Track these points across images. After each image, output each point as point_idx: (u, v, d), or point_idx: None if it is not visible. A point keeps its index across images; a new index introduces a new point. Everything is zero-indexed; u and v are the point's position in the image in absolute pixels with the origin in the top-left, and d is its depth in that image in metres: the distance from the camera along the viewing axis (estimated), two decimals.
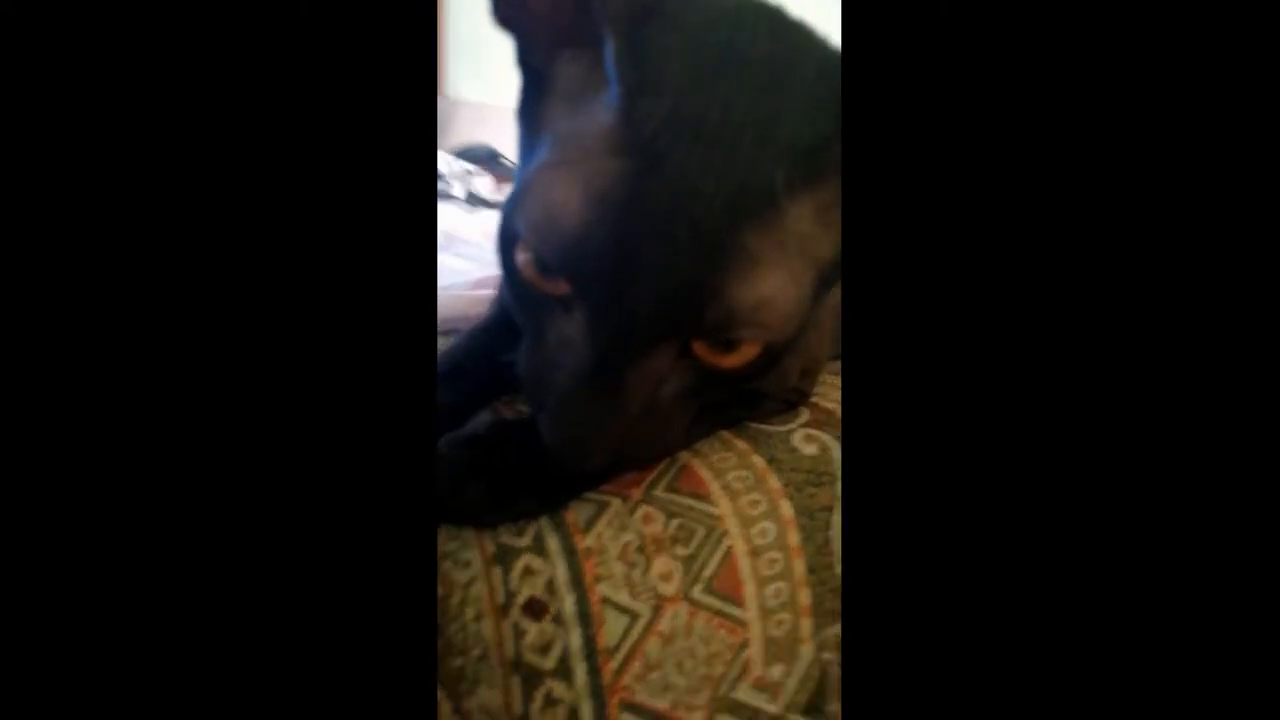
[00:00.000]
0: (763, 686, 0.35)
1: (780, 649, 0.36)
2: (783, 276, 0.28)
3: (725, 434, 0.41)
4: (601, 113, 0.28)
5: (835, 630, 0.38)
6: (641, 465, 0.37)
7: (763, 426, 0.43)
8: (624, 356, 0.28)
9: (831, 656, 0.38)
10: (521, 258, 0.30)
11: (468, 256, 1.03)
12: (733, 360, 0.30)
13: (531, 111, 0.32)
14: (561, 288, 0.29)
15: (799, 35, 0.31)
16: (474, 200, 1.42)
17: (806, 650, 0.37)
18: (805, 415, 0.44)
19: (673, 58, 0.28)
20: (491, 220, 1.17)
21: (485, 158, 1.55)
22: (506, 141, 1.51)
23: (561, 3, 0.30)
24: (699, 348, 0.30)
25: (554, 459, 0.31)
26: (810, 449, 0.42)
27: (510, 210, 0.30)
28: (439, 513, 0.33)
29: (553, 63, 0.31)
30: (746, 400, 0.42)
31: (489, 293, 0.58)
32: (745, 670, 0.35)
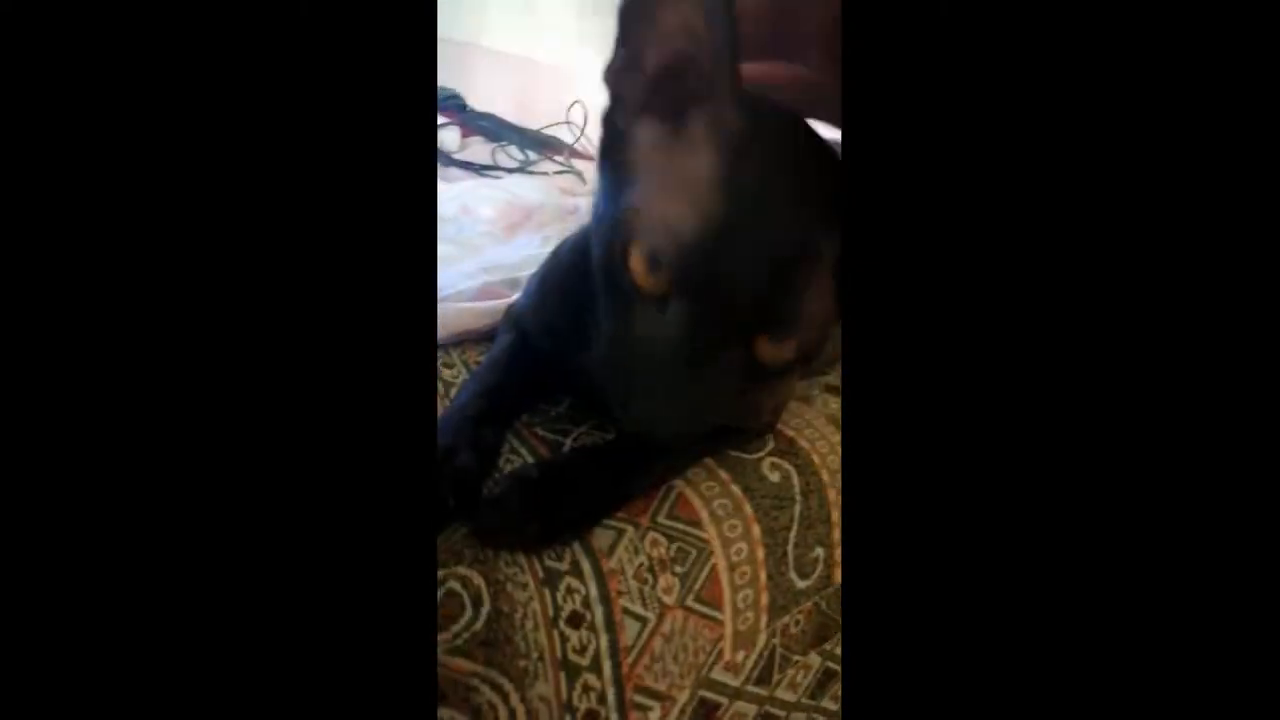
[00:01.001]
0: (730, 668, 0.47)
1: (744, 639, 0.47)
2: (819, 296, 0.39)
3: (709, 462, 0.51)
4: (706, 158, 0.38)
5: (783, 621, 0.50)
6: (694, 432, 0.47)
7: (739, 454, 0.53)
8: (714, 346, 0.38)
9: (779, 640, 0.50)
10: (635, 256, 0.38)
11: (443, 237, 0.85)
12: (778, 354, 0.40)
13: (616, 160, 0.41)
14: (662, 286, 0.38)
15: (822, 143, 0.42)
16: (442, 159, 1.21)
17: (762, 638, 0.49)
18: (771, 444, 0.55)
19: (766, 131, 0.39)
20: (465, 188, 1.03)
21: (450, 104, 1.35)
22: (470, 83, 1.39)
23: (667, 81, 0.39)
24: (760, 342, 0.40)
25: (631, 429, 0.41)
26: (775, 476, 0.52)
27: (615, 223, 0.39)
28: (443, 520, 0.41)
29: (634, 125, 0.40)
30: (730, 434, 0.52)
31: (492, 304, 0.63)
32: (719, 657, 0.46)
